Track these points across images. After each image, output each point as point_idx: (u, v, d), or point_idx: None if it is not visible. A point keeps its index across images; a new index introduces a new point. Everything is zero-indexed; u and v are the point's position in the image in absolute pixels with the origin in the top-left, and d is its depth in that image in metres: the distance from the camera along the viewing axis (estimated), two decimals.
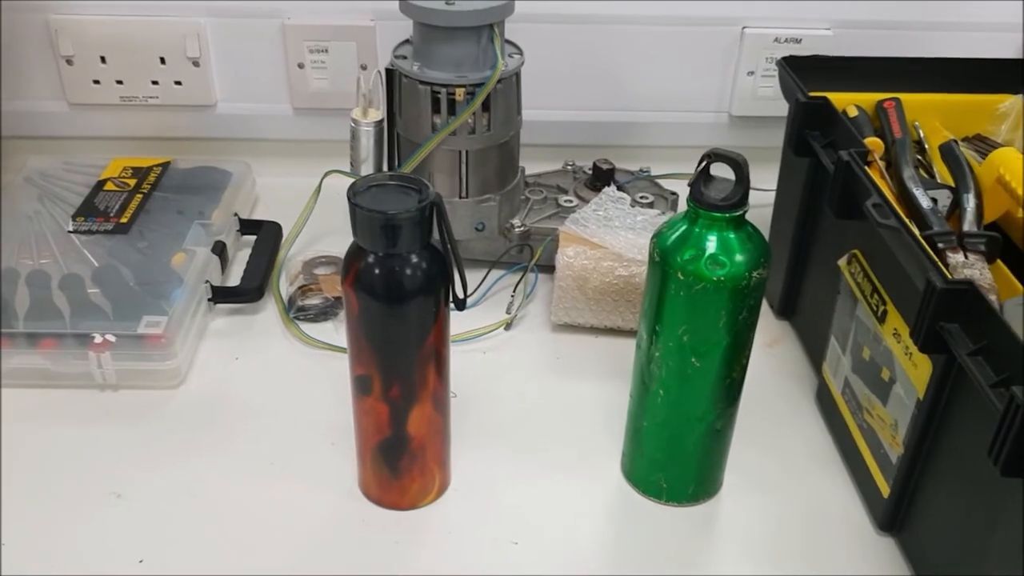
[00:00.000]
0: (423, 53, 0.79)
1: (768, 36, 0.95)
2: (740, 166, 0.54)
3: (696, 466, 0.64)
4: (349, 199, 0.54)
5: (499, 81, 0.79)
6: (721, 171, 0.55)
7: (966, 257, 0.61)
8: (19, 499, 0.64)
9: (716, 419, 0.62)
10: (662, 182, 0.93)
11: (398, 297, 0.56)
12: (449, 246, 0.57)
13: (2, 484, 0.65)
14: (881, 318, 0.62)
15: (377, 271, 0.55)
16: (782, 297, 0.82)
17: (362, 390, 0.60)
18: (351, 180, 0.87)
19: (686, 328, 0.58)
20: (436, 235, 0.57)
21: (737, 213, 0.55)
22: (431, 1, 0.76)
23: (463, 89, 0.78)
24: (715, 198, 0.55)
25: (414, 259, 0.56)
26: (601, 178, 0.90)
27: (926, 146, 0.76)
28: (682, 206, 0.89)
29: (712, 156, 0.54)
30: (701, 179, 0.55)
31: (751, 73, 0.97)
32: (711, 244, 0.56)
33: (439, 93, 0.79)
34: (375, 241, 0.55)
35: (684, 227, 0.57)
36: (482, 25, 0.77)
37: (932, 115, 0.79)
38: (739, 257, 0.56)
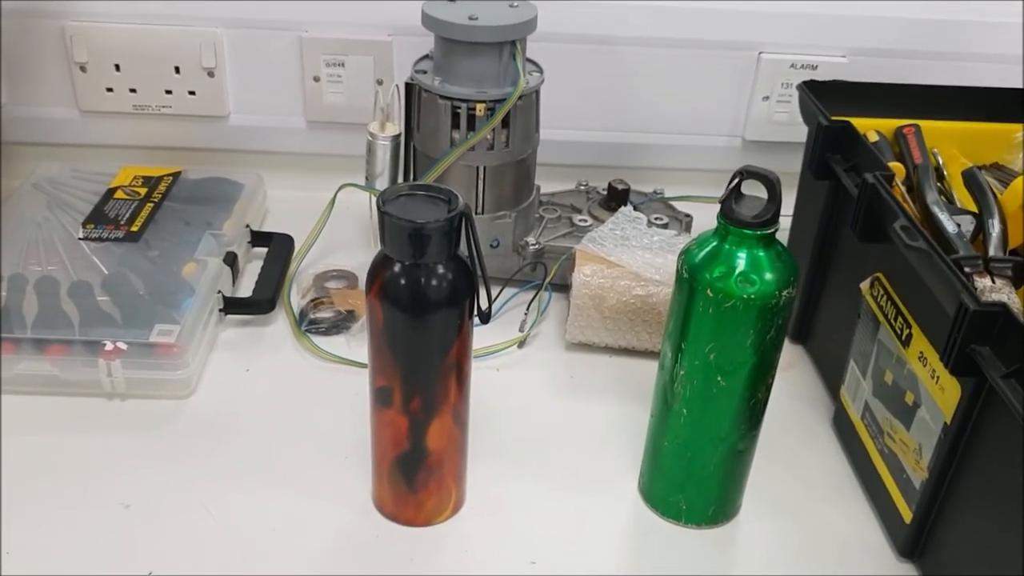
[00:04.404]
0: (444, 68, 0.79)
1: (784, 62, 0.96)
2: (773, 184, 0.54)
3: (717, 488, 0.63)
4: (379, 207, 0.54)
5: (519, 98, 0.79)
6: (751, 190, 0.55)
7: (993, 282, 0.61)
8: (26, 508, 0.63)
9: (739, 440, 0.61)
10: (675, 204, 0.93)
11: (424, 308, 0.55)
12: (476, 258, 0.57)
13: (9, 493, 0.64)
14: (905, 342, 0.61)
15: (403, 281, 0.55)
16: (797, 321, 0.82)
17: (382, 402, 0.60)
18: (364, 194, 0.87)
19: (713, 346, 0.57)
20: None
21: (769, 231, 0.55)
22: (454, 16, 0.76)
23: (483, 105, 0.78)
24: (747, 215, 0.55)
25: (441, 270, 0.55)
26: (616, 198, 0.90)
27: (945, 172, 0.76)
28: (696, 228, 0.89)
29: (744, 173, 0.54)
30: (732, 196, 0.55)
31: (766, 98, 0.98)
32: (741, 261, 0.55)
33: (459, 108, 0.79)
34: (403, 250, 0.54)
35: (714, 244, 0.56)
36: (504, 41, 0.77)
37: (949, 142, 0.79)
38: (768, 275, 0.55)
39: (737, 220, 0.55)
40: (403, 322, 0.56)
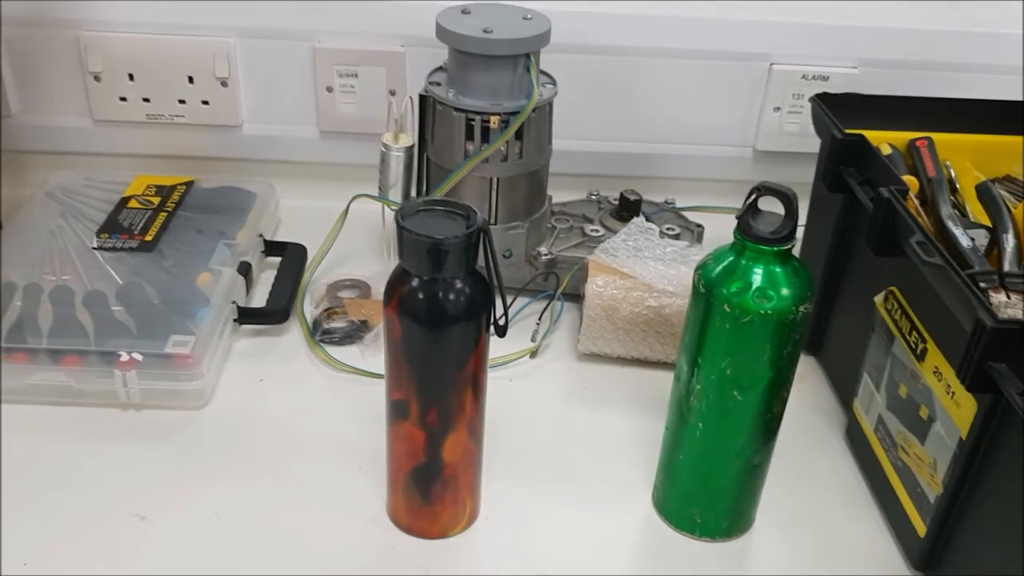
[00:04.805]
0: (458, 80, 0.79)
1: (796, 73, 0.96)
2: (790, 200, 0.54)
3: (731, 501, 0.64)
4: (397, 223, 0.54)
5: (533, 110, 0.79)
6: (767, 205, 0.56)
7: (1008, 297, 0.61)
8: (40, 519, 0.63)
9: (754, 454, 0.61)
10: (687, 214, 0.93)
11: (442, 322, 0.56)
12: (494, 272, 0.57)
13: (24, 504, 0.64)
14: (920, 356, 0.61)
15: (422, 295, 0.55)
16: (810, 332, 0.82)
17: (399, 415, 0.60)
18: (377, 204, 0.87)
19: (730, 361, 0.57)
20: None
21: (785, 247, 0.55)
22: (469, 29, 0.76)
23: (498, 117, 0.78)
24: (764, 231, 0.55)
25: (459, 284, 0.55)
26: (628, 208, 0.90)
27: (957, 185, 0.76)
28: (708, 238, 0.89)
29: (761, 189, 0.54)
30: (749, 212, 0.55)
31: (777, 109, 0.98)
32: (758, 277, 0.56)
33: (473, 120, 0.79)
34: (422, 265, 0.54)
35: (730, 259, 0.56)
36: (519, 54, 0.77)
37: (961, 155, 0.79)
38: (785, 291, 0.56)
39: (754, 236, 0.55)
40: (421, 336, 0.56)
